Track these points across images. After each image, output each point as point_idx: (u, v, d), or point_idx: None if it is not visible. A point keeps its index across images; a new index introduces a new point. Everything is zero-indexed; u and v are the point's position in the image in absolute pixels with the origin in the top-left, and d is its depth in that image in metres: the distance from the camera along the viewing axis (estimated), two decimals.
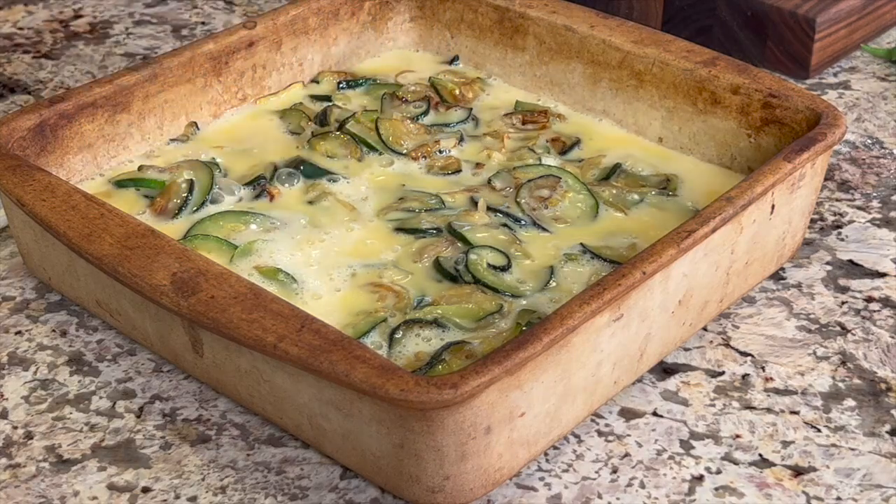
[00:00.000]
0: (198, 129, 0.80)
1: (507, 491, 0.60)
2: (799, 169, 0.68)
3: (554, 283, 0.68)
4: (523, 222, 0.72)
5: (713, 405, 0.65)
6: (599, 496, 0.60)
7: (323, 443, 0.61)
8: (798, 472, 0.62)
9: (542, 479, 0.61)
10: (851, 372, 0.67)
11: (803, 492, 0.60)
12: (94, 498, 0.60)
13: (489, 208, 0.73)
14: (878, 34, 0.99)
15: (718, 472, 0.61)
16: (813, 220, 0.79)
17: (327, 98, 0.84)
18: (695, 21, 0.97)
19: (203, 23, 1.02)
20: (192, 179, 0.74)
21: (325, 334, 0.56)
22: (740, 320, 0.71)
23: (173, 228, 0.72)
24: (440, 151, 0.79)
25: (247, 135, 0.81)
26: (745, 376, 0.67)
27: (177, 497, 0.60)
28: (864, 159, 0.85)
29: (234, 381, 0.63)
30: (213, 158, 0.78)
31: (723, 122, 0.76)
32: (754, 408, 0.65)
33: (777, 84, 0.75)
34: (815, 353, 0.69)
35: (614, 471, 0.61)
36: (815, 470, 0.62)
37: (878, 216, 0.79)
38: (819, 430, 0.64)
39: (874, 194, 0.81)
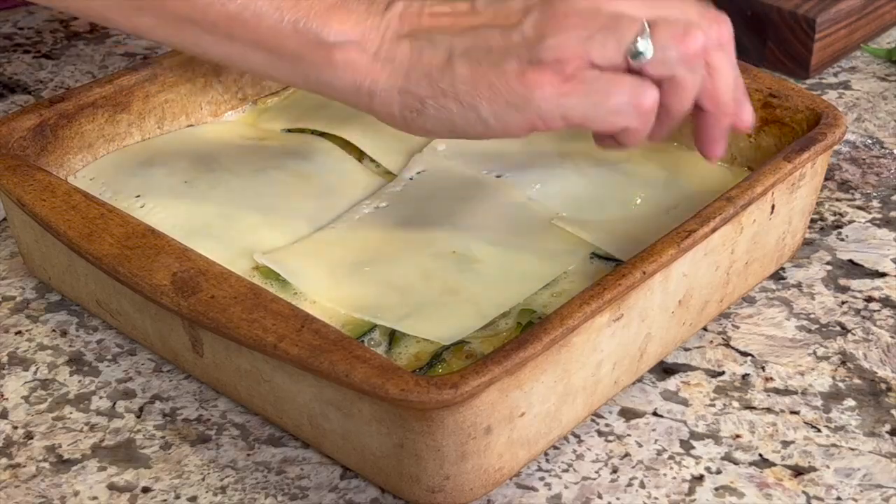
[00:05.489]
0: None
1: (507, 491, 0.60)
2: (799, 169, 0.68)
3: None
4: None
5: (713, 405, 0.65)
6: (599, 496, 0.60)
7: (323, 443, 0.61)
8: (798, 472, 0.62)
9: (542, 478, 0.61)
10: (851, 372, 0.67)
11: (803, 492, 0.60)
12: (94, 498, 0.60)
13: None
14: (878, 34, 0.99)
15: (718, 472, 0.61)
16: (813, 220, 0.79)
17: None
18: None
19: None
20: None
21: (325, 334, 0.56)
22: (740, 320, 0.71)
23: None
24: None
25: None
26: (745, 376, 0.67)
27: (177, 497, 0.60)
28: (864, 159, 0.85)
29: (234, 381, 0.63)
30: None
31: None
32: (754, 408, 0.65)
33: (777, 84, 0.75)
34: (815, 353, 0.69)
35: (614, 471, 0.61)
36: (815, 470, 0.62)
37: (878, 216, 0.79)
38: (819, 430, 0.64)
39: (874, 194, 0.81)
